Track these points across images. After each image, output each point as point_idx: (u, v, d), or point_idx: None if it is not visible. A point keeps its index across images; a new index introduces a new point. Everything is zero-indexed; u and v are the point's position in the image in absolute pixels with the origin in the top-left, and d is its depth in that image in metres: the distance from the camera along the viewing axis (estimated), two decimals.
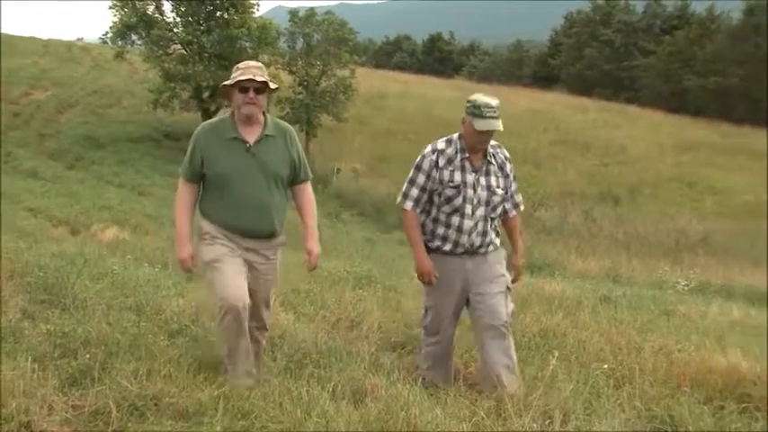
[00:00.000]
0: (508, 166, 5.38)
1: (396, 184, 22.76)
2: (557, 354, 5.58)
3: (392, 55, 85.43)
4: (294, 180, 5.10)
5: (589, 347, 6.04)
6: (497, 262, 5.31)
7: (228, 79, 4.90)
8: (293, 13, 37.41)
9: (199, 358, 4.95)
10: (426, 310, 5.43)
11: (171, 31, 33.09)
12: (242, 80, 4.78)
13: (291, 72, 35.93)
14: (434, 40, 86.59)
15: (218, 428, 3.95)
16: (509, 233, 5.55)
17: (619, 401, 4.90)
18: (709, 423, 4.68)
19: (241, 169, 4.85)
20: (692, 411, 4.74)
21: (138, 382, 4.40)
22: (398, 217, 21.72)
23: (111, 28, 32.81)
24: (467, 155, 5.17)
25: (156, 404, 4.24)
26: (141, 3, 32.60)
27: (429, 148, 5.28)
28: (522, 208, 5.55)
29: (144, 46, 33.28)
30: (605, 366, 5.43)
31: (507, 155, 5.42)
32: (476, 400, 4.73)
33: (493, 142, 5.25)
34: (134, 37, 33.40)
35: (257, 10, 33.98)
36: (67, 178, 23.37)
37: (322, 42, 36.32)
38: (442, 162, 5.17)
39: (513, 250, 5.54)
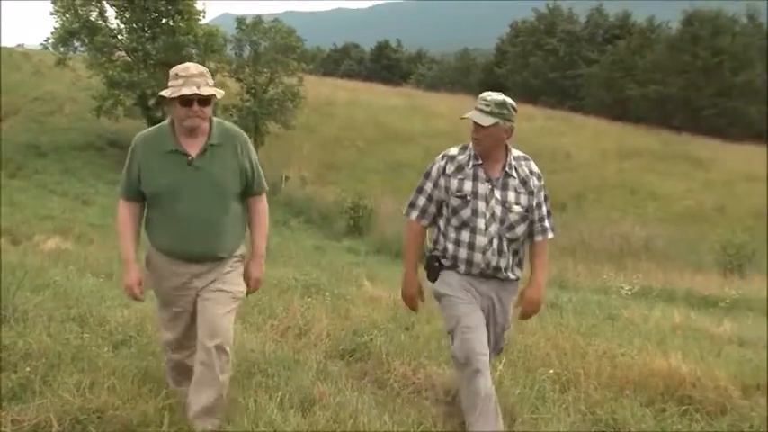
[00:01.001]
0: (534, 182, 4.61)
1: (344, 192, 22.93)
2: (503, 359, 5.62)
3: (340, 63, 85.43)
4: (246, 192, 4.52)
5: (535, 352, 6.09)
6: (510, 299, 4.72)
7: (167, 88, 4.28)
8: (240, 21, 37.25)
9: (144, 369, 4.89)
10: (450, 335, 4.58)
11: (115, 37, 32.64)
12: (185, 95, 4.18)
13: (239, 80, 35.74)
14: (382, 48, 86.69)
15: None
16: (532, 260, 4.74)
17: (564, 405, 4.96)
18: (651, 425, 4.77)
19: (182, 186, 4.29)
20: (635, 414, 4.84)
21: (81, 395, 4.34)
22: (344, 225, 21.17)
23: (52, 34, 32.30)
24: (480, 162, 4.55)
25: (99, 417, 4.19)
26: (84, 9, 32.08)
27: (440, 154, 4.75)
28: (551, 235, 4.73)
29: (87, 52, 32.75)
30: (551, 371, 5.49)
31: (536, 169, 4.68)
32: (423, 407, 4.74)
33: (519, 153, 4.66)
34: (76, 43, 32.86)
35: (204, 17, 33.69)
36: (9, 187, 22.98)
37: (269, 50, 36.22)
38: (450, 169, 4.59)
39: (531, 279, 4.70)
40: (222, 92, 4.47)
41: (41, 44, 33.99)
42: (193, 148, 4.35)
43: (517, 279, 4.71)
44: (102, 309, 6.47)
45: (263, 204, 4.67)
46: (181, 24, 32.33)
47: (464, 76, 72.56)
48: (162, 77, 30.32)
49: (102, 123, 32.20)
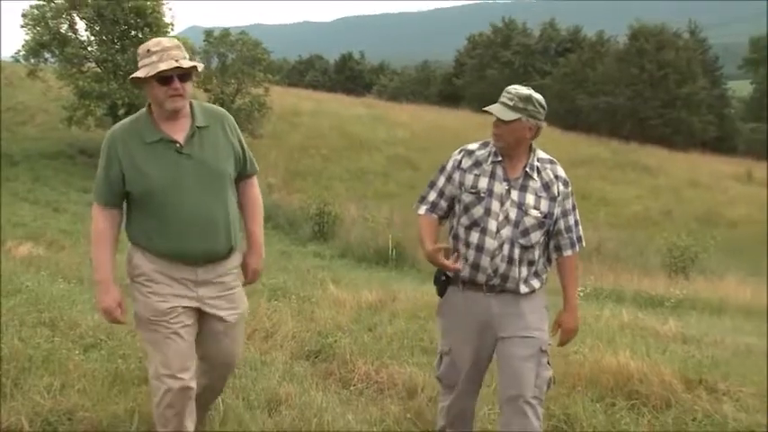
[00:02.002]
0: (559, 188, 4.05)
1: (310, 198, 22.88)
2: None
3: (305, 74, 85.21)
4: (239, 175, 3.94)
5: None
6: (534, 311, 4.06)
7: (139, 69, 3.66)
8: (208, 34, 37.24)
9: (114, 372, 4.85)
10: (440, 356, 4.22)
11: (85, 49, 32.29)
12: (164, 70, 3.54)
13: (206, 90, 35.59)
14: (345, 60, 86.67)
15: None
16: (562, 277, 4.19)
17: None
18: (602, 419, 4.80)
19: (176, 178, 3.63)
20: (586, 409, 4.88)
21: (52, 397, 4.31)
22: (310, 230, 21.07)
23: (23, 46, 31.92)
24: (499, 159, 4.04)
25: (69, 418, 4.17)
26: (54, 21, 31.73)
27: (459, 148, 4.26)
28: (580, 246, 4.18)
29: (58, 64, 32.35)
30: None
31: (562, 174, 4.11)
32: (385, 405, 4.73)
33: (544, 155, 4.13)
34: (47, 55, 32.47)
35: (172, 30, 33.39)
36: None
37: (236, 61, 36.14)
38: (467, 164, 4.10)
39: (565, 302, 4.18)
40: (202, 65, 3.94)
41: (12, 56, 33.68)
42: (179, 133, 3.70)
43: (533, 291, 4.07)
44: (73, 313, 6.40)
45: (255, 188, 4.08)
46: (149, 36, 31.05)
47: (424, 86, 72.72)
48: (131, 88, 30.16)
49: (72, 133, 31.94)
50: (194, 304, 3.75)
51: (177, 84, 3.59)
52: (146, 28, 31.96)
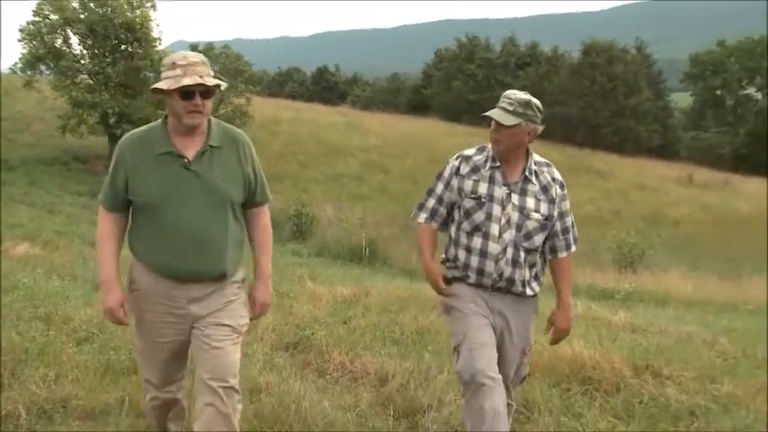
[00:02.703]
0: (557, 191, 3.87)
1: (288, 201, 22.82)
2: (430, 348, 5.62)
3: (284, 85, 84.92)
4: (249, 202, 3.61)
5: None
6: (528, 316, 3.94)
7: (162, 80, 3.36)
8: (193, 47, 37.15)
9: (105, 363, 4.81)
10: (456, 350, 3.82)
11: (78, 62, 32.27)
12: (188, 84, 3.29)
13: None
14: (322, 72, 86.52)
15: (123, 427, 3.86)
16: (556, 278, 4.00)
17: None
18: (557, 403, 4.82)
19: (177, 193, 3.37)
20: (544, 394, 4.89)
21: (47, 387, 4.28)
22: (289, 230, 20.97)
23: (20, 59, 31.80)
24: (497, 164, 3.81)
25: (63, 407, 4.14)
26: (50, 36, 31.65)
27: (456, 154, 4.00)
28: (575, 248, 3.99)
29: (53, 76, 32.36)
30: None
31: (558, 177, 3.94)
32: (359, 392, 4.73)
33: (540, 159, 3.94)
34: (43, 67, 32.46)
35: (160, 44, 33.38)
36: None
37: (220, 73, 35.83)
38: (465, 169, 3.85)
39: (558, 301, 3.97)
40: (226, 83, 3.55)
41: (10, 68, 33.61)
42: (190, 149, 3.42)
43: (535, 295, 3.92)
44: (67, 308, 6.35)
45: (266, 218, 3.73)
46: (138, 50, 32.09)
47: (394, 96, 72.71)
48: (122, 98, 30.72)
49: (66, 140, 31.80)
50: (188, 323, 3.48)
51: (198, 100, 3.33)
52: (135, 42, 32.11)
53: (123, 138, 3.54)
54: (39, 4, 31.53)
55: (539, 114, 3.79)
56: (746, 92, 71.75)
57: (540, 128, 3.80)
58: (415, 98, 70.01)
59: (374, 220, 20.58)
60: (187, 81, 3.27)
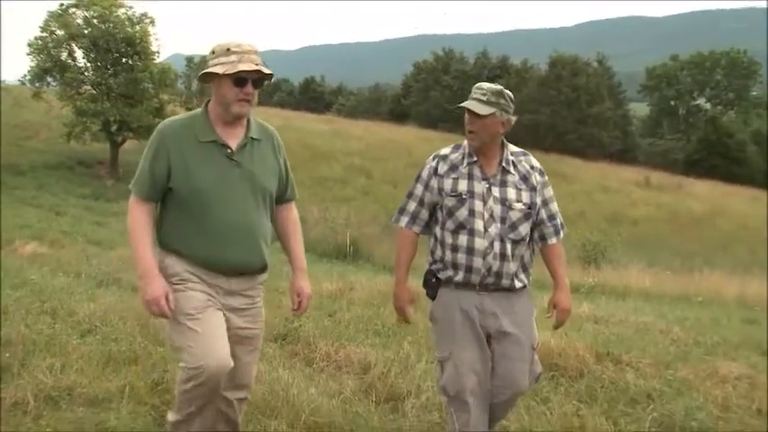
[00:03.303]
0: (536, 178, 3.62)
1: None
2: (410, 339, 5.63)
3: (273, 94, 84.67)
4: (279, 197, 3.38)
5: None
6: (525, 309, 3.61)
7: (215, 65, 3.07)
8: (189, 60, 37.23)
9: (107, 353, 4.79)
10: (440, 364, 3.58)
11: (82, 74, 32.25)
12: (244, 70, 3.02)
13: (188, 108, 34.72)
14: (308, 83, 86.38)
15: (124, 413, 3.85)
16: (548, 264, 3.72)
17: None
18: None
19: (222, 183, 3.11)
20: None
21: (53, 376, 4.25)
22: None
23: (29, 72, 31.89)
24: (474, 159, 3.54)
25: (69, 394, 4.11)
26: (56, 50, 31.67)
27: (432, 155, 3.73)
28: (563, 233, 3.75)
29: (59, 87, 32.31)
30: None
31: (537, 164, 3.68)
32: (343, 380, 4.73)
33: (516, 149, 3.67)
34: (50, 79, 32.40)
35: (158, 56, 33.39)
36: None
37: None
38: (443, 169, 3.58)
39: (555, 285, 3.68)
40: (274, 73, 3.22)
41: (19, 80, 33.61)
42: (233, 140, 3.16)
43: (524, 287, 3.61)
44: (72, 303, 6.30)
45: (295, 212, 3.53)
46: (138, 63, 32.03)
47: (376, 105, 72.70)
48: (122, 107, 30.75)
49: (71, 146, 31.75)
50: (225, 304, 3.24)
51: (250, 88, 3.07)
52: (135, 55, 32.09)
53: (162, 125, 3.22)
54: (46, 21, 31.55)
55: (511, 104, 3.53)
56: (697, 102, 72.73)
57: (513, 118, 3.56)
58: (395, 107, 70.00)
59: (358, 220, 20.55)
60: (244, 67, 3.02)
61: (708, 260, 18.45)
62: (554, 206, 3.70)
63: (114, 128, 31.31)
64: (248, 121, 3.22)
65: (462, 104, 3.52)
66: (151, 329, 5.36)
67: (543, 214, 3.63)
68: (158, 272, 3.12)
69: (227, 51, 3.05)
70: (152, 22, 32.97)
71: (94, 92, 31.64)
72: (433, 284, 3.63)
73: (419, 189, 3.65)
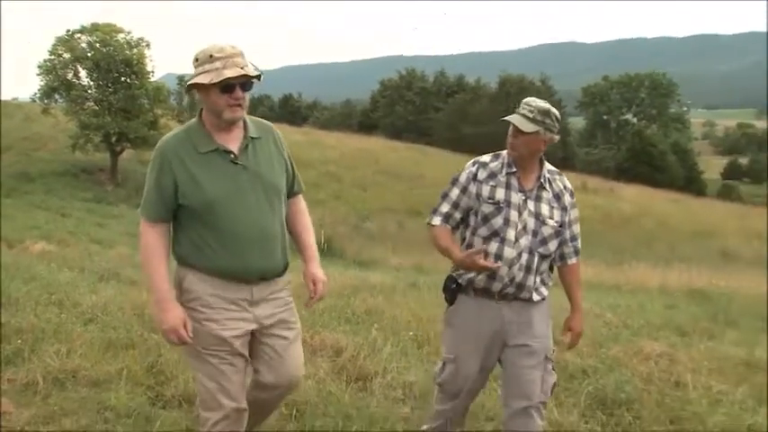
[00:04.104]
0: (568, 199, 3.31)
1: None
2: (377, 326, 5.63)
3: (255, 109, 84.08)
4: (288, 192, 2.97)
5: (401, 320, 6.07)
6: (542, 320, 3.28)
7: (200, 75, 2.67)
8: (181, 78, 37.38)
9: (107, 340, 4.74)
10: (444, 364, 3.32)
11: (86, 92, 32.44)
12: (231, 77, 2.62)
13: (179, 121, 35.10)
14: (287, 99, 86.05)
15: (122, 393, 3.82)
16: (567, 285, 3.41)
17: (421, 358, 4.99)
18: None
19: (231, 190, 2.71)
20: None
21: (60, 360, 4.22)
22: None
23: (39, 90, 32.20)
24: (514, 170, 3.22)
25: (73, 376, 4.08)
26: (62, 71, 31.98)
27: (471, 161, 3.41)
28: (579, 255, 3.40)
29: (65, 103, 32.56)
30: (411, 333, 5.48)
31: (569, 185, 3.35)
32: (318, 363, 4.73)
33: (551, 168, 3.33)
34: (57, 96, 32.65)
35: (152, 76, 33.59)
36: (5, 205, 22.03)
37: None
38: (482, 175, 3.26)
39: (572, 308, 3.41)
40: (262, 73, 2.79)
41: (30, 98, 33.93)
42: (233, 144, 2.76)
43: (543, 299, 3.29)
44: (76, 295, 6.22)
45: (303, 204, 3.11)
46: (135, 81, 32.30)
47: (347, 118, 72.58)
48: (121, 120, 30.88)
49: (76, 156, 31.79)
50: (251, 326, 2.81)
51: (239, 93, 2.67)
52: (132, 75, 32.31)
53: (161, 142, 2.80)
54: (54, 45, 31.89)
55: (556, 124, 3.20)
56: (625, 117, 73.88)
57: (557, 137, 3.22)
58: (364, 120, 69.98)
59: (331, 220, 20.56)
60: (229, 73, 2.62)
61: (635, 254, 18.68)
62: (577, 228, 3.37)
63: (114, 139, 31.57)
64: (244, 121, 2.82)
65: (508, 118, 3.24)
66: (146, 318, 5.31)
67: (567, 234, 3.31)
68: (174, 299, 2.73)
69: (210, 58, 2.65)
70: (147, 46, 33.35)
71: (96, 107, 31.81)
72: (452, 290, 3.30)
73: (455, 192, 3.31)
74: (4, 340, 4.59)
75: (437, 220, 3.30)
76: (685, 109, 79.56)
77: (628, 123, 73.18)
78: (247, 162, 2.75)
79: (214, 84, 2.62)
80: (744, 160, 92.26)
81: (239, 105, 2.69)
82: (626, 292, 10.75)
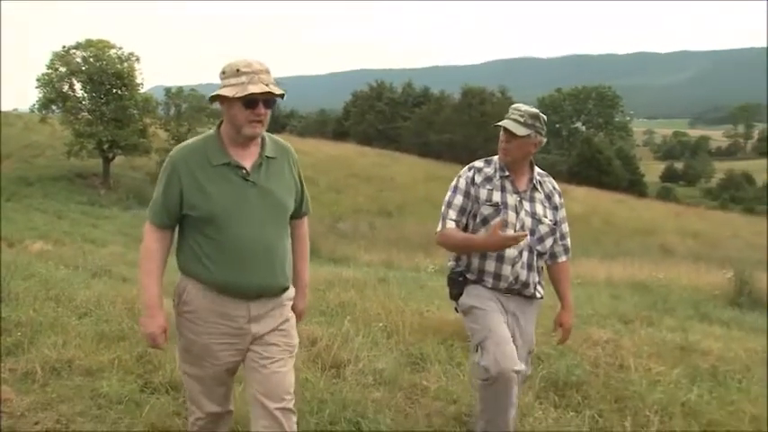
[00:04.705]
0: (557, 199, 3.24)
1: None
2: (349, 318, 5.63)
3: None
4: (294, 213, 2.70)
5: (371, 312, 6.04)
6: (532, 319, 3.24)
7: (225, 87, 2.46)
8: (168, 90, 37.20)
9: (100, 332, 4.69)
10: (479, 347, 3.03)
11: (80, 103, 32.40)
12: (254, 93, 2.41)
13: (167, 130, 35.15)
14: None
15: (114, 381, 3.79)
16: (557, 283, 3.30)
17: (390, 347, 4.98)
18: (444, 355, 4.83)
19: (238, 205, 2.49)
20: (434, 349, 4.88)
21: (57, 351, 4.17)
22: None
23: (37, 101, 32.28)
24: (506, 173, 3.14)
25: (69, 365, 4.04)
26: (59, 84, 32.02)
27: (465, 167, 3.28)
28: (570, 254, 3.31)
29: (61, 113, 32.54)
30: (381, 324, 5.46)
31: (556, 186, 3.29)
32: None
33: (540, 170, 3.26)
34: (54, 107, 32.67)
35: (142, 87, 33.69)
36: (5, 208, 21.72)
37: (188, 110, 35.81)
38: (479, 179, 3.16)
39: (562, 305, 3.31)
40: (285, 92, 2.56)
41: (29, 108, 34.03)
42: (247, 160, 2.54)
43: (541, 297, 3.23)
44: (71, 290, 6.13)
45: (305, 228, 2.86)
46: (126, 93, 32.38)
47: (322, 127, 72.40)
48: (113, 129, 30.95)
49: (71, 162, 31.79)
50: (246, 342, 2.58)
51: (262, 109, 2.46)
52: (123, 87, 32.43)
53: (174, 151, 2.59)
54: (51, 60, 32.04)
55: (544, 127, 3.13)
56: (576, 126, 74.65)
57: (545, 140, 3.15)
58: (337, 128, 69.81)
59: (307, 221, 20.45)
60: (254, 89, 2.41)
61: (584, 250, 18.85)
62: (566, 227, 3.28)
63: (106, 146, 31.82)
64: (263, 139, 2.59)
65: (500, 123, 3.15)
66: (136, 312, 5.25)
67: (557, 233, 3.22)
68: (160, 307, 2.52)
69: (237, 72, 2.44)
70: (137, 60, 33.52)
71: (90, 117, 31.80)
72: (459, 283, 3.18)
73: (458, 198, 3.16)
74: (5, 333, 4.54)
75: (450, 224, 3.12)
76: (628, 119, 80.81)
77: (578, 131, 74.08)
78: (258, 179, 2.53)
79: (237, 98, 2.43)
80: (679, 165, 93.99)
81: (260, 122, 2.49)
82: (576, 285, 10.84)
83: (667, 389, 4.32)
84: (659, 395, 4.17)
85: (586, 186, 47.42)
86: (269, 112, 2.49)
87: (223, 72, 2.48)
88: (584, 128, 74.63)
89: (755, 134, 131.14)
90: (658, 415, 3.88)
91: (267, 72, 2.46)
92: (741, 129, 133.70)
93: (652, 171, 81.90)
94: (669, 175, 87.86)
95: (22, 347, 4.27)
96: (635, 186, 57.16)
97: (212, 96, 2.52)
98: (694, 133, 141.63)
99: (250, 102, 2.43)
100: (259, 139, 2.57)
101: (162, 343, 2.55)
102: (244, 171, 2.51)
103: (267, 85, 2.43)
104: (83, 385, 3.80)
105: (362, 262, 15.51)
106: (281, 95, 2.48)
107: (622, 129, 76.04)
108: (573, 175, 55.43)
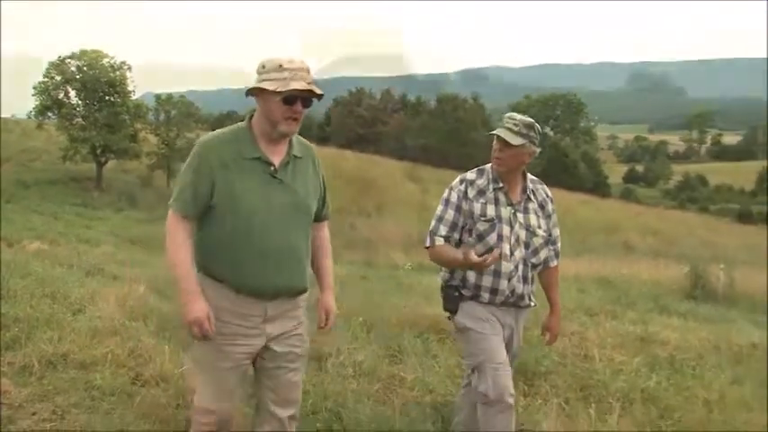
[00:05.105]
0: (550, 206, 3.06)
1: None
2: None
3: (225, 124, 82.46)
4: (315, 216, 2.52)
5: (352, 307, 6.01)
6: (522, 324, 3.08)
7: (266, 81, 2.28)
8: (158, 96, 37.15)
9: (94, 328, 4.64)
10: (477, 370, 2.89)
11: (75, 109, 32.57)
12: (296, 89, 2.25)
13: (157, 134, 35.16)
14: (253, 114, 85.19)
15: (107, 374, 3.77)
16: (547, 288, 3.12)
17: (369, 341, 4.97)
18: (420, 348, 4.82)
19: (267, 201, 2.32)
20: (411, 342, 4.87)
21: (53, 345, 4.14)
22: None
23: (34, 108, 32.50)
24: (500, 185, 2.92)
25: (64, 359, 4.01)
26: (54, 91, 32.14)
27: (457, 179, 3.04)
28: (559, 258, 3.12)
29: (57, 120, 32.62)
30: (361, 319, 5.44)
31: (549, 192, 3.09)
32: None
33: (532, 177, 3.05)
34: (50, 114, 32.72)
35: (133, 95, 33.83)
36: (4, 209, 21.48)
37: (177, 115, 35.75)
38: (472, 193, 2.93)
39: (552, 309, 3.12)
40: (323, 93, 2.37)
41: (27, 115, 34.63)
42: (276, 157, 2.37)
43: (534, 305, 3.04)
44: (66, 288, 6.06)
45: (327, 230, 2.69)
46: (118, 100, 32.47)
47: (306, 131, 71.30)
48: (105, 134, 31.04)
49: (66, 166, 31.77)
50: (260, 342, 2.40)
51: (299, 107, 2.30)
52: (115, 94, 32.59)
53: (203, 140, 2.41)
54: (47, 69, 32.26)
55: (539, 137, 2.93)
56: (544, 131, 75.00)
57: (538, 150, 2.94)
58: (320, 132, 69.68)
59: None
60: (296, 85, 2.25)
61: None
62: (557, 231, 3.08)
63: (99, 151, 32.10)
64: (290, 138, 2.42)
65: (494, 132, 2.91)
66: (127, 308, 5.21)
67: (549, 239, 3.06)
68: (200, 292, 2.30)
69: (280, 68, 2.27)
70: (129, 68, 33.74)
71: (84, 123, 31.82)
72: (455, 299, 2.98)
73: (450, 213, 2.95)
74: (4, 328, 4.49)
75: (440, 241, 2.94)
76: (593, 124, 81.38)
77: (546, 136, 74.63)
78: (285, 178, 2.36)
79: (277, 93, 2.26)
80: (640, 167, 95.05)
81: (296, 120, 2.33)
82: None
83: (629, 377, 4.38)
84: (621, 383, 4.22)
85: (554, 188, 47.58)
86: (305, 111, 2.33)
87: (263, 66, 2.32)
88: (552, 133, 75.14)
89: (708, 139, 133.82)
90: (620, 401, 3.92)
91: (308, 71, 2.31)
92: (695, 134, 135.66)
93: (615, 173, 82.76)
94: (631, 177, 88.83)
95: (20, 342, 4.23)
96: (599, 187, 57.80)
97: (249, 89, 2.35)
98: (654, 138, 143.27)
99: (289, 98, 2.27)
100: (288, 138, 2.41)
101: (208, 329, 2.29)
102: (272, 168, 2.35)
103: (308, 83, 2.29)
104: (77, 378, 3.77)
105: (345, 261, 15.48)
106: (320, 96, 2.34)
107: (587, 134, 76.65)
108: (542, 177, 55.54)
